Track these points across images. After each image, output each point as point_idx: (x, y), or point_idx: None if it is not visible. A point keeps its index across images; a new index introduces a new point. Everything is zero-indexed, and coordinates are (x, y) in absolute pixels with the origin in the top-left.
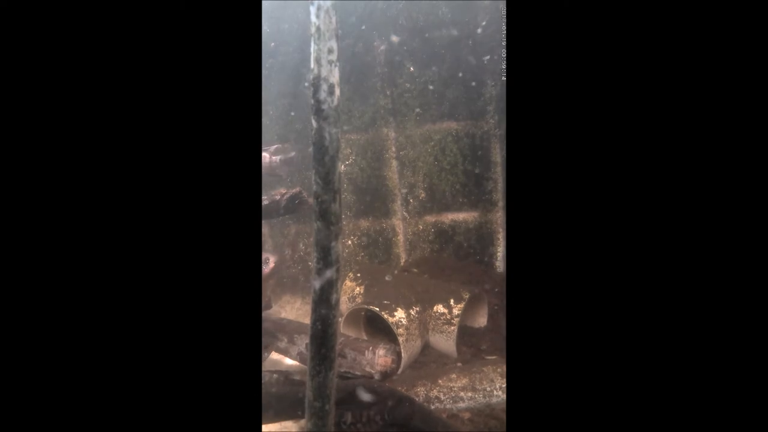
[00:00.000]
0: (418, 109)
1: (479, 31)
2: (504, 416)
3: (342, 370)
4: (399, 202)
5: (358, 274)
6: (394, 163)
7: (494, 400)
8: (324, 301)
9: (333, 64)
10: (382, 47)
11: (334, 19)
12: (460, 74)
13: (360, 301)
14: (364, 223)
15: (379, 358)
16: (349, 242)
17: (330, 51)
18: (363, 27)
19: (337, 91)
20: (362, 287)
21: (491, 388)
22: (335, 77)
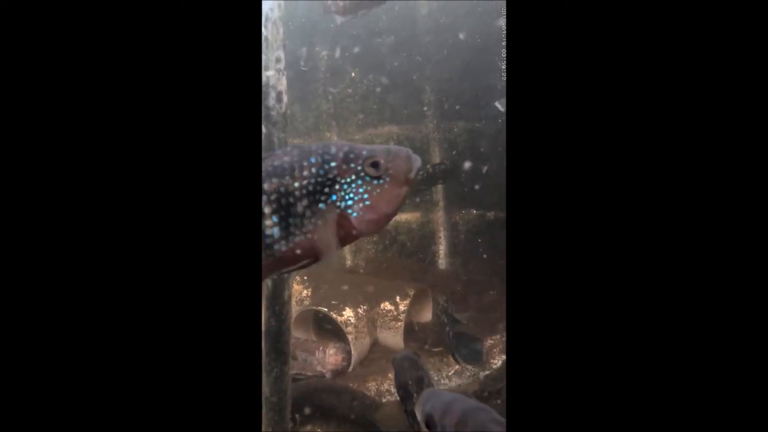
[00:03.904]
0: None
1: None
2: None
3: (293, 372)
4: None
5: (305, 277)
6: None
7: (441, 388)
8: (277, 298)
9: (281, 73)
10: (324, 53)
11: (281, 30)
12: (400, 80)
13: (308, 303)
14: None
15: (329, 357)
16: None
17: (277, 60)
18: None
19: (285, 98)
20: (309, 290)
21: (438, 377)
22: (283, 85)
